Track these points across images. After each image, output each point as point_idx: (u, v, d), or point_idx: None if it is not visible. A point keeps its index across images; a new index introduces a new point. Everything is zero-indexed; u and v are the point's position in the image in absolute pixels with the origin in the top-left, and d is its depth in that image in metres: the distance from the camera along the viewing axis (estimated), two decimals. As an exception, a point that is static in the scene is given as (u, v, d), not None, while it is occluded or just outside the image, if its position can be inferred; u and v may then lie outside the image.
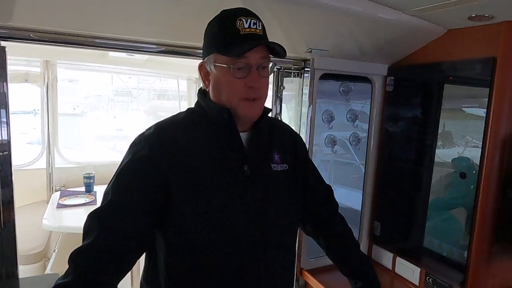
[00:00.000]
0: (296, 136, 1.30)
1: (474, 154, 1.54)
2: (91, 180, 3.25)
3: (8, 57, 1.38)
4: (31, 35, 1.35)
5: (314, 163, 1.38)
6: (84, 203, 2.98)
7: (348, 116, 2.10)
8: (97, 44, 1.47)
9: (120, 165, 1.02)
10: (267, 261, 1.07)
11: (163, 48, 1.59)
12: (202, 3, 1.22)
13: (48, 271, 2.71)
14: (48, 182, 3.55)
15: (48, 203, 3.15)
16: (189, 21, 1.34)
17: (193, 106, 1.15)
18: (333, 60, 1.82)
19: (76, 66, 3.83)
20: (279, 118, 2.05)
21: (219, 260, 1.02)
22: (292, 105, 2.04)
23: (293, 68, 1.95)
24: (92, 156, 6.65)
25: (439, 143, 1.72)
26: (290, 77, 1.99)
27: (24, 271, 1.70)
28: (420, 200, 1.82)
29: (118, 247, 0.94)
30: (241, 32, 0.98)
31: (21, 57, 3.23)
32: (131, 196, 0.98)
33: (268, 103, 1.91)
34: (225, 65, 1.00)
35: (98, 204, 1.00)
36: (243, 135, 1.08)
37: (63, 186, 3.54)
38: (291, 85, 2.01)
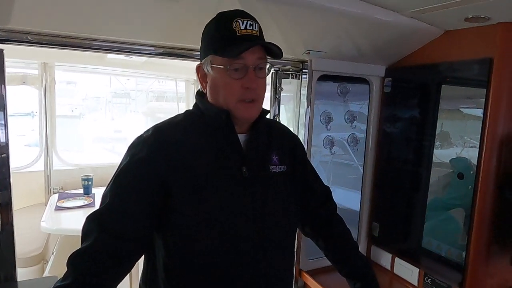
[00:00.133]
0: (295, 138, 1.30)
1: (472, 154, 1.55)
2: (90, 182, 3.24)
3: (6, 59, 1.38)
4: (29, 38, 1.34)
5: (312, 164, 1.38)
6: (82, 205, 2.96)
7: (346, 117, 2.11)
8: (95, 46, 1.47)
9: (119, 167, 1.02)
10: (267, 262, 1.07)
11: (161, 50, 1.59)
12: (200, 6, 1.23)
13: (46, 273, 2.70)
14: (46, 185, 3.53)
15: (46, 205, 3.13)
16: (187, 23, 1.34)
17: (191, 108, 1.15)
18: (331, 61, 1.82)
19: (74, 68, 3.81)
20: (278, 120, 2.05)
21: (218, 261, 1.02)
22: (290, 107, 2.04)
23: (291, 70, 1.96)
24: (90, 158, 6.64)
25: (437, 143, 1.73)
26: (288, 78, 2.00)
27: (22, 274, 1.70)
28: (418, 201, 1.83)
29: (117, 249, 0.94)
30: (237, 33, 0.99)
31: (19, 59, 3.22)
32: (130, 198, 0.98)
33: (266, 105, 1.91)
34: (222, 66, 1.01)
35: (97, 206, 1.00)
36: (241, 137, 1.08)
37: (61, 189, 3.52)
38: (289, 86, 2.01)
